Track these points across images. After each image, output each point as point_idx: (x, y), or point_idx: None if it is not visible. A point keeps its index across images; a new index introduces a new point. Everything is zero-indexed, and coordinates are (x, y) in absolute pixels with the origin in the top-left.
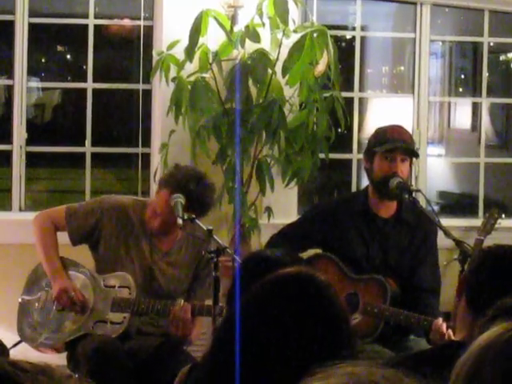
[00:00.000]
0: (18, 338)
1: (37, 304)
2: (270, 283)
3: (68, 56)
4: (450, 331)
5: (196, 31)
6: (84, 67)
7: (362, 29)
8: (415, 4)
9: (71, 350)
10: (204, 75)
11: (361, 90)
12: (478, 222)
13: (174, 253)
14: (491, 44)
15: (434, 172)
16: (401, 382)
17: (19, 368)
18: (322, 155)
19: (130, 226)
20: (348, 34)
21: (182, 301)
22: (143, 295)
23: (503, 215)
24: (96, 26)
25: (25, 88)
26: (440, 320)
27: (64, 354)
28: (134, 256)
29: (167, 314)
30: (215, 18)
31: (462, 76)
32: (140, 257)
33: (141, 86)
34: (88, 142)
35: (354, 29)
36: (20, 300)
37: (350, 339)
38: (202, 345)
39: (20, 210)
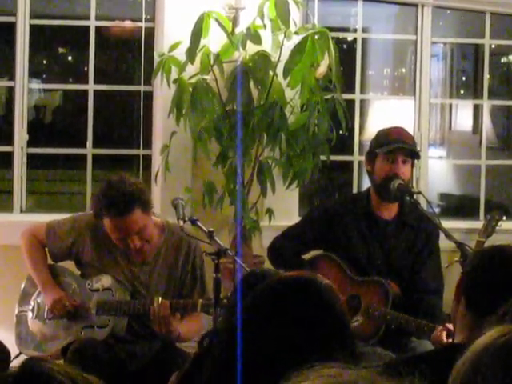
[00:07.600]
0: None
1: (31, 314)
2: (271, 287)
3: (69, 57)
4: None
5: (197, 33)
6: (85, 69)
7: (364, 31)
8: (416, 6)
9: (64, 356)
10: (205, 77)
11: (362, 91)
12: (479, 224)
13: (151, 262)
14: (492, 46)
15: (435, 174)
16: (377, 382)
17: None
18: (323, 157)
19: (104, 243)
20: (349, 36)
21: (160, 298)
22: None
23: (504, 217)
24: (97, 28)
25: (26, 90)
26: (438, 331)
27: None
28: (114, 272)
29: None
30: (216, 20)
31: (464, 78)
32: (120, 272)
33: (142, 88)
34: (89, 143)
35: (355, 31)
36: (16, 312)
37: (350, 342)
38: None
39: (21, 211)
